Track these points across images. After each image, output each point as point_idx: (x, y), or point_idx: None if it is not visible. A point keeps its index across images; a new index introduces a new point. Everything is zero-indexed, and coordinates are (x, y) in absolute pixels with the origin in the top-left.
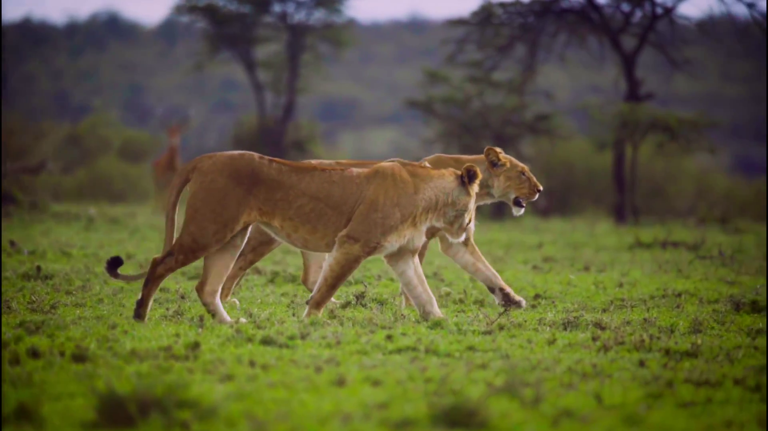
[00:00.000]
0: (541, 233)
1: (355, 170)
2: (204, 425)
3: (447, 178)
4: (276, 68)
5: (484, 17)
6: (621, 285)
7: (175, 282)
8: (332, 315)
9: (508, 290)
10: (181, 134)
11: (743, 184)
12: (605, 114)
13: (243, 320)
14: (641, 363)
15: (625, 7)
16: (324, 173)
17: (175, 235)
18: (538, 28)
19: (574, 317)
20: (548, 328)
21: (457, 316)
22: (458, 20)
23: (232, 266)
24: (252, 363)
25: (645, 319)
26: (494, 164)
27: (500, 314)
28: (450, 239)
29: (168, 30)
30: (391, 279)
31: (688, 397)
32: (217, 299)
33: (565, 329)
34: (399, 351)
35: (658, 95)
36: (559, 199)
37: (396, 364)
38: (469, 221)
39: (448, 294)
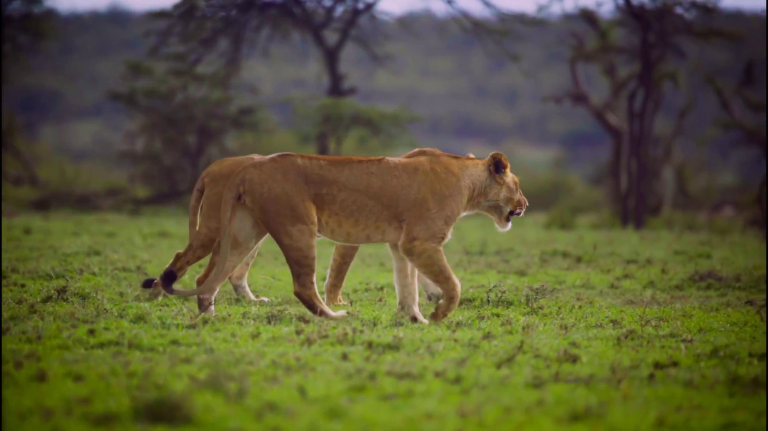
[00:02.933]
0: None
1: (391, 161)
2: None
3: (479, 167)
4: None
5: (186, 10)
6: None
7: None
8: (33, 310)
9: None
10: None
11: None
12: (308, 108)
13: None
14: (344, 356)
15: (327, 2)
16: (361, 164)
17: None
18: (241, 22)
19: (279, 311)
20: (252, 322)
21: (161, 310)
22: (160, 12)
23: (236, 268)
24: None
25: (348, 312)
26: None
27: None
28: (498, 229)
29: None
30: (93, 273)
31: (390, 389)
32: (212, 298)
33: (269, 322)
34: (101, 345)
35: (361, 90)
36: None
37: (98, 359)
38: (513, 212)
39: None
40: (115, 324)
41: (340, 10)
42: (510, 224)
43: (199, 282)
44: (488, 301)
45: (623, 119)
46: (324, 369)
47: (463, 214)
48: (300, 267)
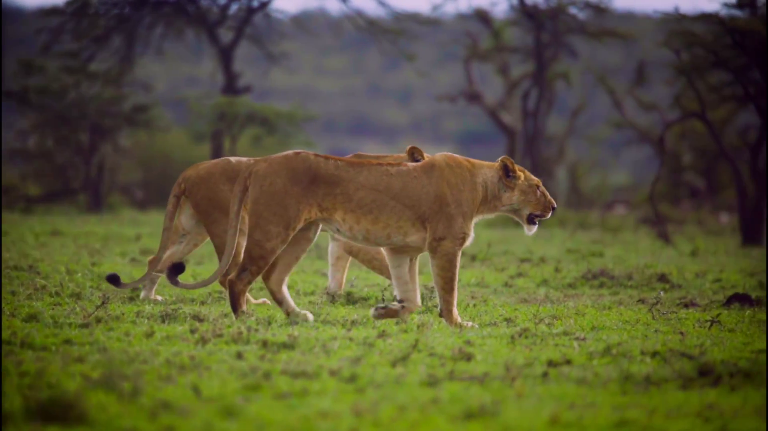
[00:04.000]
0: (140, 226)
1: (410, 165)
2: None
3: (491, 169)
4: None
5: (79, 7)
6: None
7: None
8: None
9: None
10: None
11: None
12: (203, 106)
13: (309, 315)
14: (239, 355)
15: (222, 1)
16: (380, 166)
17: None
18: (135, 19)
19: (173, 310)
20: (146, 320)
21: (53, 309)
22: (52, 9)
23: (302, 258)
24: None
25: (243, 311)
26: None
27: (98, 307)
28: (525, 231)
29: None
30: None
31: (285, 388)
32: (284, 289)
33: (163, 321)
34: None
35: (256, 88)
36: (156, 191)
37: None
38: (535, 214)
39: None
40: (7, 323)
41: (234, 8)
42: (535, 228)
43: (151, 263)
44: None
45: (517, 117)
46: (218, 367)
47: (483, 217)
48: (251, 264)
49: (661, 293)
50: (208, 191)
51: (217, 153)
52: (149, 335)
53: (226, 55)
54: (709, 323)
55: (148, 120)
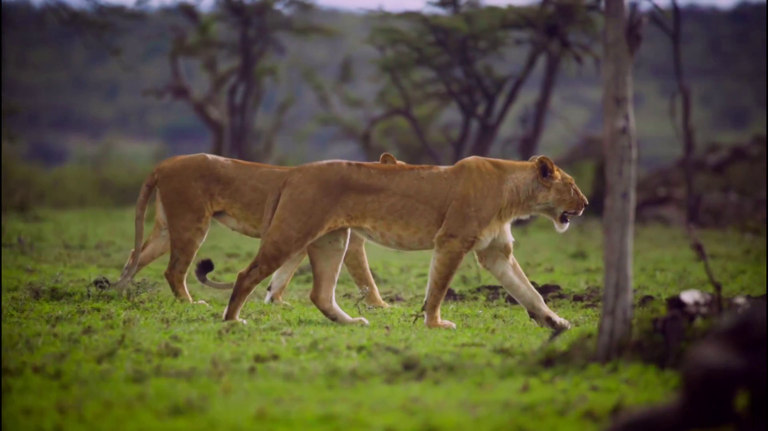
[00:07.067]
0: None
1: (441, 168)
2: None
3: (527, 170)
4: None
5: None
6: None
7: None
8: None
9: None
10: None
11: (42, 172)
12: None
13: (365, 320)
14: None
15: None
16: (412, 171)
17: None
18: None
19: None
20: None
21: None
22: None
23: (339, 269)
24: None
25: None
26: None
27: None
28: (557, 229)
29: None
30: None
31: None
32: (335, 304)
33: None
34: None
35: None
36: None
37: None
38: (569, 212)
39: None
40: None
41: None
42: (567, 225)
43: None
44: (88, 295)
45: (224, 113)
46: None
47: (517, 218)
48: (264, 262)
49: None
50: (179, 183)
51: None
52: None
53: None
54: (413, 317)
55: None
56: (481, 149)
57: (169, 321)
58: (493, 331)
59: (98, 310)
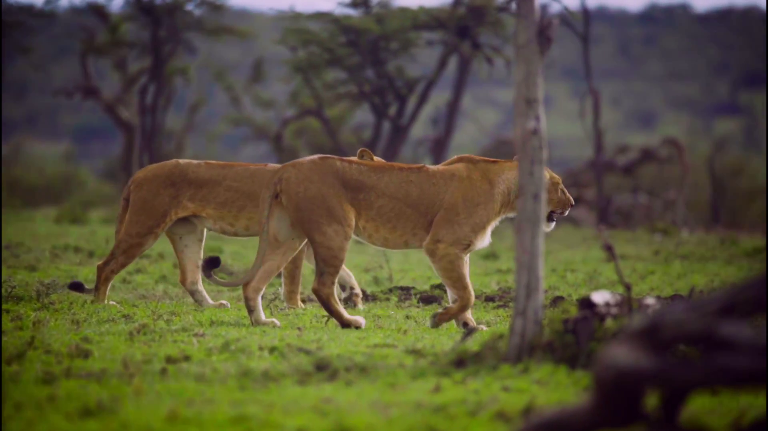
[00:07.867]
0: None
1: (431, 169)
2: None
3: (515, 170)
4: None
5: None
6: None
7: None
8: None
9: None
10: None
11: None
12: None
13: (277, 321)
14: None
15: None
16: (402, 172)
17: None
18: None
19: None
20: None
21: None
22: None
23: (282, 267)
24: None
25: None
26: None
27: None
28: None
29: None
30: None
31: None
32: (259, 298)
33: None
34: None
35: None
36: None
37: None
38: (555, 212)
39: None
40: None
41: None
42: (553, 224)
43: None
44: None
45: (135, 113)
46: None
47: (506, 216)
48: (326, 266)
49: (280, 289)
50: (147, 192)
51: None
52: None
53: None
54: (326, 318)
55: None
56: (392, 150)
57: (80, 323)
58: (405, 332)
59: (8, 311)
